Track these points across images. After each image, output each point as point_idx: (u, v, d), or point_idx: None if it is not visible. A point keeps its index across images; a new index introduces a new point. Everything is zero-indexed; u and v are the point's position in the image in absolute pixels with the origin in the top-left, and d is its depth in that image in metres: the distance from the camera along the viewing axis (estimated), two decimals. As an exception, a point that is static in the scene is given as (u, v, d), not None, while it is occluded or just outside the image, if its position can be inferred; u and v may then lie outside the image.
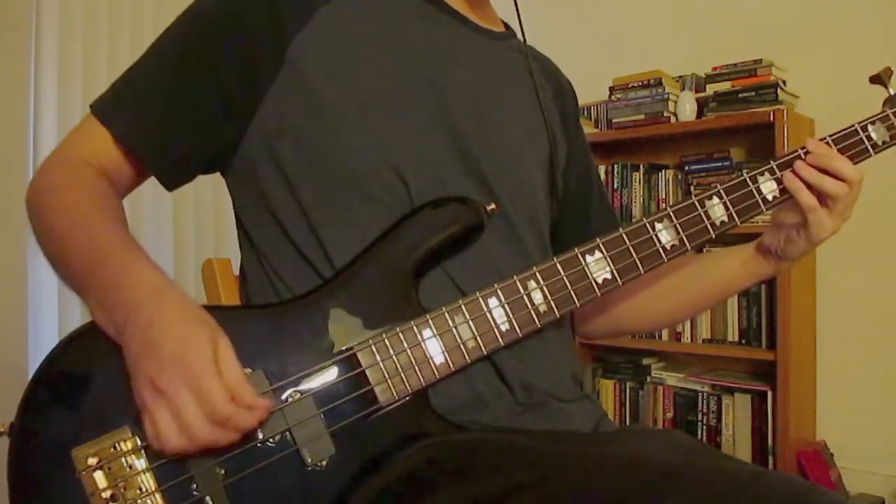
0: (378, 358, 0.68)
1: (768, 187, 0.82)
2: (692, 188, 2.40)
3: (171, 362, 0.59)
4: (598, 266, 0.75)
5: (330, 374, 0.67)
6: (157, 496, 0.62)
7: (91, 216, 0.70)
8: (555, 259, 0.74)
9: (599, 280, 0.75)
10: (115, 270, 0.66)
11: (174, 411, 0.59)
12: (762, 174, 0.82)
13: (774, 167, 0.83)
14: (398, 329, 0.69)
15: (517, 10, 0.91)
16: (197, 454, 0.61)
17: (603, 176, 2.55)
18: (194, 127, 0.76)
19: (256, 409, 0.61)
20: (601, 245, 0.76)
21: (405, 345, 0.69)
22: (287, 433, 0.65)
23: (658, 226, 0.78)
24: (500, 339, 0.71)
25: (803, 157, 0.82)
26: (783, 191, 0.82)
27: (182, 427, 0.59)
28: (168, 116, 0.75)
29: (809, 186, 0.81)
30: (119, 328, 0.64)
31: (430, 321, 0.70)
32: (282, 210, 0.77)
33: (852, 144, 0.85)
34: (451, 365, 0.69)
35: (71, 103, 2.26)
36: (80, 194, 0.72)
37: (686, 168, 2.42)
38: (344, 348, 0.68)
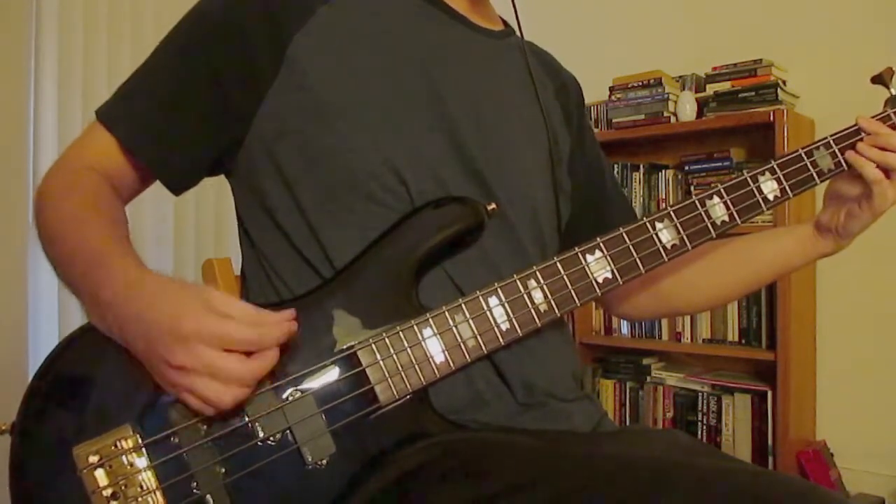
0: (378, 357, 0.68)
1: (769, 187, 0.82)
2: (692, 188, 2.40)
3: (173, 338, 0.59)
4: (598, 265, 0.75)
5: (330, 373, 0.67)
6: (158, 494, 0.62)
7: (83, 219, 0.71)
8: (555, 258, 0.74)
9: (600, 279, 0.75)
10: (96, 273, 0.66)
11: (208, 371, 0.59)
12: (763, 174, 0.82)
13: (775, 166, 0.83)
14: (398, 328, 0.69)
15: (514, 7, 0.91)
16: (253, 396, 0.62)
17: (603, 176, 2.55)
18: (198, 132, 0.76)
19: (281, 321, 0.62)
20: (601, 244, 0.76)
21: (405, 344, 0.69)
22: (287, 432, 0.65)
23: (658, 225, 0.78)
24: (501, 339, 0.71)
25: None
26: (783, 190, 0.83)
27: (224, 380, 0.59)
28: (172, 123, 0.76)
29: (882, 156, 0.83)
30: (116, 331, 0.64)
31: (430, 320, 0.70)
32: (281, 211, 0.77)
33: (855, 144, 0.85)
34: (452, 364, 0.69)
35: (71, 104, 2.26)
36: (76, 198, 0.73)
37: (686, 168, 2.42)
38: (345, 347, 0.68)
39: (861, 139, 0.85)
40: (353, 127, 0.74)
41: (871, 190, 0.84)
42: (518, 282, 0.73)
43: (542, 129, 0.88)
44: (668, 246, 0.78)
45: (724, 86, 2.28)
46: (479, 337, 0.70)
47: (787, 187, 0.83)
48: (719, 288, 0.98)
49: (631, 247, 0.77)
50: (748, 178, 0.82)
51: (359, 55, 0.77)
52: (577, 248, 0.75)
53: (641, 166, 2.50)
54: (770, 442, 2.16)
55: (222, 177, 0.84)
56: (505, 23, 0.95)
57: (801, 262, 0.94)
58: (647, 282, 0.97)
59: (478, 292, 0.71)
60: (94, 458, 0.62)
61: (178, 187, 0.80)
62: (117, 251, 0.68)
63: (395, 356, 0.68)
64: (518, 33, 0.93)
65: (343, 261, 0.73)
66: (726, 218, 0.80)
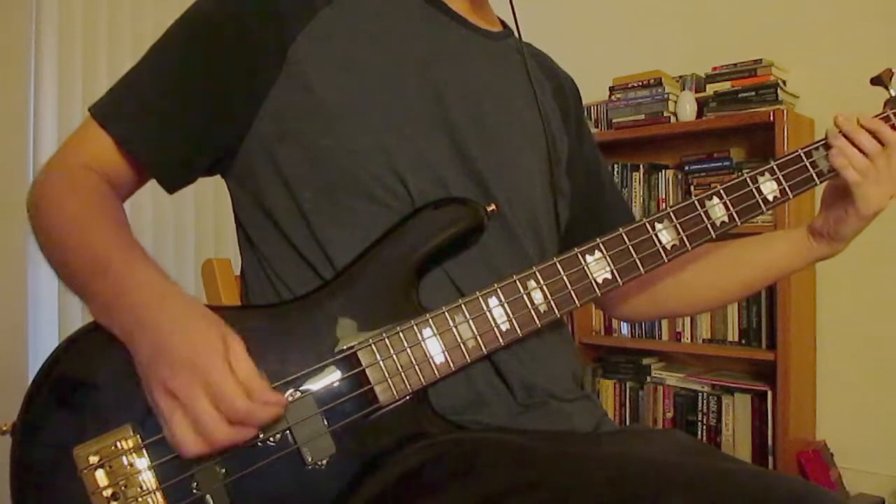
0: (378, 357, 0.68)
1: (769, 187, 0.82)
2: (692, 188, 2.40)
3: (182, 364, 0.59)
4: (598, 266, 0.75)
5: (330, 374, 0.67)
6: (158, 495, 0.62)
7: (92, 221, 0.70)
8: (555, 259, 0.74)
9: (599, 280, 0.75)
10: (118, 275, 0.65)
11: (191, 415, 0.59)
12: (762, 174, 0.83)
13: (774, 167, 0.83)
14: (398, 328, 0.69)
15: (512, 7, 0.91)
16: (215, 454, 0.61)
17: (603, 176, 2.55)
18: (194, 131, 0.76)
19: (273, 404, 0.61)
20: (601, 245, 0.76)
21: (405, 344, 0.69)
22: (287, 432, 0.65)
23: (658, 226, 0.78)
24: (501, 339, 0.71)
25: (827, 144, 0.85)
26: (783, 191, 0.83)
27: (200, 430, 0.59)
28: (168, 120, 0.75)
29: (851, 158, 0.83)
30: (126, 333, 0.64)
31: (430, 320, 0.70)
32: (280, 212, 0.77)
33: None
34: (452, 364, 0.69)
35: (71, 103, 2.27)
36: (79, 199, 0.72)
37: (686, 168, 2.42)
38: (345, 347, 0.68)
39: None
40: (353, 128, 0.74)
41: (852, 192, 0.84)
42: (518, 282, 0.73)
43: (541, 130, 0.88)
44: (668, 247, 0.78)
45: (724, 86, 2.28)
46: (478, 337, 0.70)
47: (786, 188, 0.83)
48: (717, 290, 0.98)
49: (630, 247, 0.77)
50: (748, 179, 0.82)
51: (360, 56, 0.77)
52: (576, 249, 0.75)
53: (641, 166, 2.50)
54: (770, 442, 2.16)
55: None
56: (504, 24, 0.95)
57: (798, 265, 0.94)
58: (645, 284, 0.97)
59: (477, 293, 0.71)
60: (94, 459, 0.62)
61: (172, 187, 0.79)
62: (138, 257, 0.67)
63: (394, 356, 0.68)
64: (517, 33, 0.93)
65: (343, 261, 0.73)
66: (726, 218, 0.81)
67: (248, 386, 0.60)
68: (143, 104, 0.76)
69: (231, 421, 0.59)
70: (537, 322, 0.73)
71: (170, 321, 0.62)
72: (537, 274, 0.73)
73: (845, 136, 0.84)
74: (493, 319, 0.71)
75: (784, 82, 2.25)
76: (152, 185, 0.81)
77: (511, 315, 0.72)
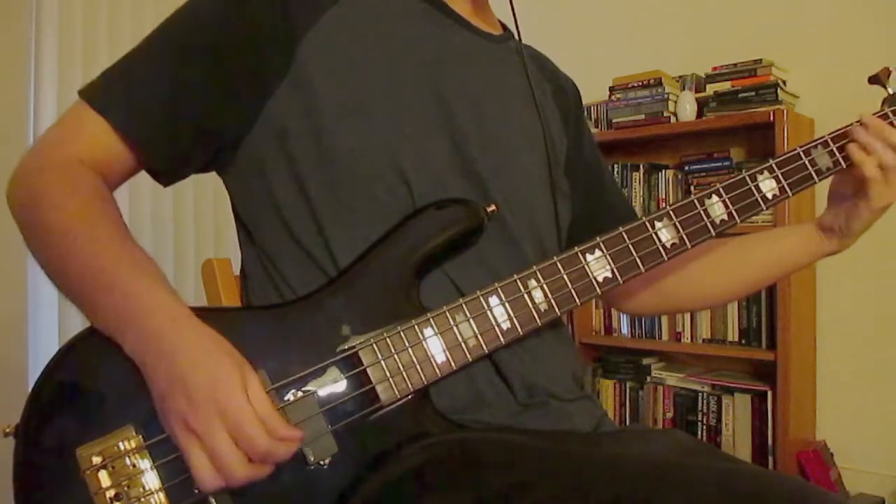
0: (380, 356, 0.68)
1: (768, 185, 0.83)
2: (692, 188, 2.40)
3: (203, 400, 0.58)
4: (598, 264, 0.76)
5: (332, 374, 0.67)
6: (161, 495, 0.62)
7: (93, 230, 0.67)
8: (555, 258, 0.74)
9: (600, 278, 0.76)
10: (128, 295, 0.63)
11: (210, 451, 0.58)
12: (761, 172, 0.83)
13: (773, 165, 0.83)
14: (399, 328, 0.69)
15: (512, 9, 0.91)
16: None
17: (603, 176, 2.55)
18: (198, 122, 0.74)
19: (291, 440, 0.61)
20: (601, 244, 0.76)
21: (406, 343, 0.69)
22: (289, 432, 0.65)
23: (658, 224, 0.78)
24: (502, 338, 0.71)
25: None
26: (782, 189, 0.83)
27: (221, 468, 0.58)
28: (171, 109, 0.73)
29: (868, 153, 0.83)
30: (139, 357, 0.62)
31: (431, 320, 0.70)
32: (289, 208, 0.76)
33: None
34: (453, 363, 0.70)
35: (71, 103, 2.26)
36: (80, 201, 0.69)
37: (686, 168, 2.42)
38: (346, 347, 0.68)
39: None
40: (358, 128, 0.74)
41: (867, 187, 0.84)
42: (518, 281, 0.73)
43: (540, 132, 0.88)
44: (668, 245, 0.78)
45: (724, 86, 2.29)
46: (479, 336, 0.71)
47: (785, 186, 0.83)
48: (724, 286, 0.98)
49: (630, 246, 0.77)
50: (746, 177, 0.82)
51: (364, 56, 0.77)
52: (576, 248, 0.75)
53: (641, 166, 2.50)
54: (770, 442, 2.16)
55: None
56: (504, 26, 0.95)
57: (806, 260, 0.94)
58: (650, 279, 0.97)
59: (478, 292, 0.71)
60: (97, 459, 0.62)
61: (168, 179, 0.77)
62: (145, 275, 0.65)
63: (396, 356, 0.68)
64: (517, 36, 0.93)
65: (345, 261, 0.73)
66: (725, 217, 0.81)
67: (267, 422, 0.59)
68: (145, 92, 0.73)
69: (251, 459, 0.59)
70: (538, 321, 0.73)
71: (187, 351, 0.60)
72: (538, 273, 0.73)
73: (869, 132, 0.84)
74: (494, 318, 0.71)
75: (784, 82, 2.25)
76: (152, 186, 0.80)
77: (512, 314, 0.72)
